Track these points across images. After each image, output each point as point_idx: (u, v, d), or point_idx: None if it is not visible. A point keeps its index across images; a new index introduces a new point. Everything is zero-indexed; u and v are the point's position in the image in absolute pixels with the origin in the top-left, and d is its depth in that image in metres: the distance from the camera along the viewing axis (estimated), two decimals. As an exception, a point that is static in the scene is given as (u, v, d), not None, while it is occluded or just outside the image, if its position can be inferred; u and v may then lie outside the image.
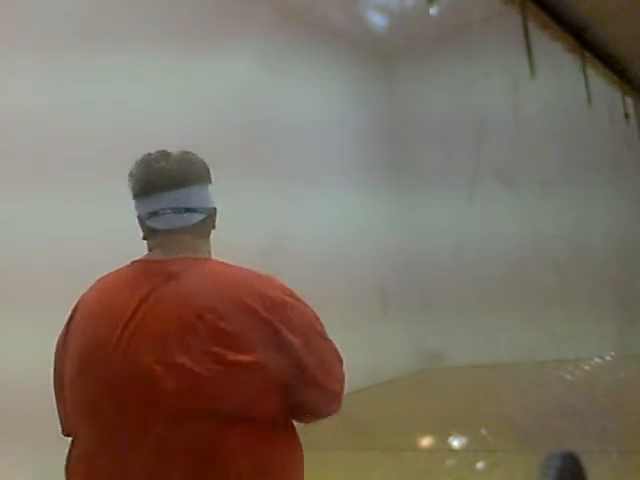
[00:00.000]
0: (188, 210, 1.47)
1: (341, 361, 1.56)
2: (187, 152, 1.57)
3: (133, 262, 1.51)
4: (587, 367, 7.42)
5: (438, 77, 10.30)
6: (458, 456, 4.98)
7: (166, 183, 1.48)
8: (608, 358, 7.70)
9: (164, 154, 1.53)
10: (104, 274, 1.55)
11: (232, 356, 1.29)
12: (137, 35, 6.80)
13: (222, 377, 1.29)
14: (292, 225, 8.33)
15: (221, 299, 1.34)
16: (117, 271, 1.52)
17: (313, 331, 1.45)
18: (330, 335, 1.57)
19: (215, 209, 1.56)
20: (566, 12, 6.13)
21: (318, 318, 1.49)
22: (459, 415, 6.05)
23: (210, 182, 1.56)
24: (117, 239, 5.66)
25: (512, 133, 8.91)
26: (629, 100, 8.82)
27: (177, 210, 1.46)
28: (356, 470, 4.87)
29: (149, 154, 1.54)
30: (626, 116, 8.68)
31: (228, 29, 7.94)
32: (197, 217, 1.49)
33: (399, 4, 8.76)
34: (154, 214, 1.47)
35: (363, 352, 8.74)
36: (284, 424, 1.46)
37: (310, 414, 1.53)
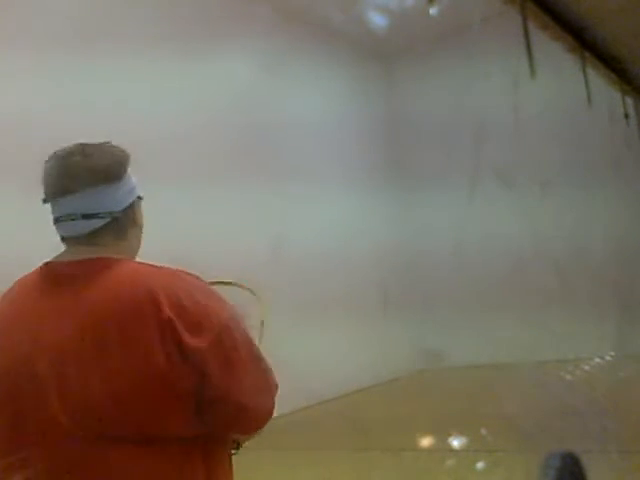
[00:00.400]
0: (85, 216, 1.33)
1: (264, 370, 1.38)
2: (89, 147, 1.38)
3: (44, 264, 1.39)
4: (587, 367, 7.42)
5: (438, 77, 10.30)
6: (458, 456, 4.98)
7: (59, 188, 1.34)
8: (608, 358, 7.70)
9: (61, 154, 1.37)
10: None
11: (126, 368, 1.19)
12: (137, 36, 6.80)
13: (112, 393, 1.18)
14: (293, 227, 8.34)
15: (118, 307, 1.23)
16: (26, 276, 1.40)
17: (225, 334, 1.27)
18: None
19: (128, 207, 1.39)
20: (566, 12, 6.13)
21: (237, 319, 1.33)
22: (459, 415, 6.05)
23: (120, 178, 1.38)
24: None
25: (512, 133, 8.91)
26: (629, 100, 8.81)
27: (74, 217, 1.33)
28: (356, 470, 4.87)
29: (53, 153, 1.40)
30: (626, 116, 8.68)
31: (228, 29, 7.94)
32: (97, 223, 1.34)
33: (399, 4, 8.77)
34: (57, 220, 1.36)
35: (364, 352, 8.76)
36: (203, 446, 1.29)
37: (228, 432, 1.35)
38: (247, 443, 1.51)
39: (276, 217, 8.15)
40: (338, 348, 8.13)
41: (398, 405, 7.48)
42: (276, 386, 1.41)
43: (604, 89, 8.18)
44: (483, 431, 5.13)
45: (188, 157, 7.20)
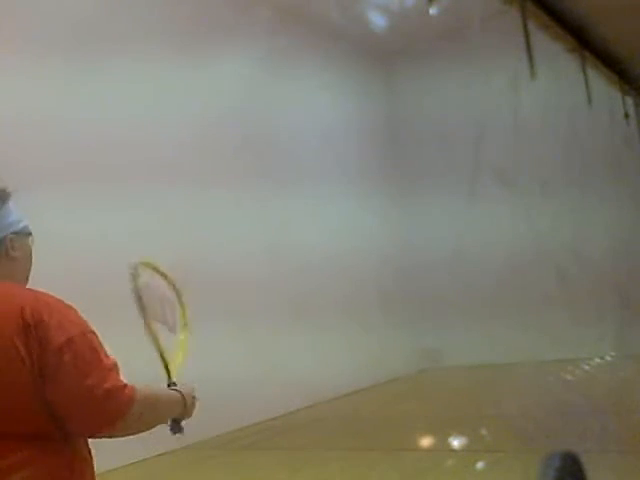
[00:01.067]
0: None
1: (92, 382, 1.50)
2: None
3: None
4: (587, 367, 7.42)
5: (438, 77, 10.29)
6: (458, 456, 4.98)
7: None
8: (608, 358, 7.71)
9: None
10: None
11: None
12: (138, 38, 6.80)
13: None
14: (293, 228, 8.34)
15: None
16: None
17: (68, 343, 1.49)
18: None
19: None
20: (566, 12, 6.14)
21: (84, 333, 1.54)
22: (459, 415, 6.05)
23: None
24: (111, 241, 5.67)
25: (512, 133, 8.91)
26: (629, 100, 8.82)
27: None
28: (356, 470, 4.87)
29: None
30: (626, 116, 8.68)
31: (228, 31, 7.93)
32: None
33: (399, 4, 8.76)
34: None
35: (363, 352, 8.75)
36: (64, 439, 1.51)
37: (74, 428, 1.52)
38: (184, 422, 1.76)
39: (275, 219, 8.15)
40: (338, 348, 8.13)
41: (398, 405, 7.48)
42: (104, 397, 1.51)
43: (604, 89, 8.19)
44: (483, 431, 5.13)
45: (188, 158, 7.20)
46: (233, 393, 6.45)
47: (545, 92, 8.32)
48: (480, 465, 4.47)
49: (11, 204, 1.67)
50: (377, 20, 8.99)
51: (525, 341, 8.35)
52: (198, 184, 7.05)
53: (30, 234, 1.72)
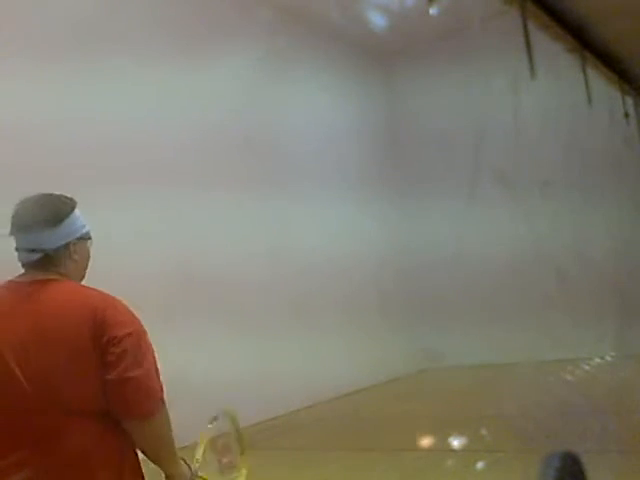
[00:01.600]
0: (28, 250, 1.90)
1: (144, 371, 1.78)
2: (43, 198, 1.95)
3: (7, 282, 1.93)
4: (587, 367, 7.42)
5: (438, 77, 10.29)
6: (458, 456, 4.98)
7: (18, 227, 1.91)
8: (608, 358, 7.71)
9: (24, 203, 1.92)
10: None
11: (62, 354, 1.76)
12: (138, 39, 6.79)
13: (64, 379, 1.75)
14: (293, 230, 8.34)
15: (60, 313, 1.82)
16: None
17: (128, 337, 1.79)
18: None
19: (62, 246, 1.93)
20: (566, 12, 6.13)
21: (139, 331, 1.84)
22: (459, 415, 6.05)
23: (56, 225, 1.91)
24: (115, 242, 5.67)
25: (512, 134, 8.90)
26: (629, 100, 8.82)
27: (23, 249, 1.91)
28: (356, 470, 4.88)
29: (23, 198, 1.94)
30: (626, 116, 8.68)
31: (228, 31, 7.93)
32: (35, 256, 1.89)
33: (399, 4, 8.75)
34: (16, 249, 1.92)
35: (364, 353, 8.75)
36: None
37: (116, 409, 1.79)
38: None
39: (276, 221, 8.16)
40: (338, 349, 8.13)
41: (398, 405, 7.48)
42: (155, 390, 1.79)
43: (604, 89, 8.18)
44: (483, 431, 5.13)
45: (190, 160, 7.20)
46: (233, 393, 6.45)
47: (545, 92, 8.32)
48: (480, 465, 4.47)
49: (77, 211, 1.97)
50: (377, 20, 8.99)
51: (525, 341, 8.34)
52: (200, 186, 7.06)
53: (90, 238, 2.03)
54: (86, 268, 2.03)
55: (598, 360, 7.71)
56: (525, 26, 5.92)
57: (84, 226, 1.98)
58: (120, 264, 5.22)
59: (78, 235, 1.96)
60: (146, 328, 1.86)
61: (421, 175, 10.65)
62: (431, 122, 10.20)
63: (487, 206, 9.33)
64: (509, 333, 8.67)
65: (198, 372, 6.21)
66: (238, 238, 7.34)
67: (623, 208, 8.89)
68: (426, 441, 5.74)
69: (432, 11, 7.00)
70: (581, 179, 8.92)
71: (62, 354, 1.75)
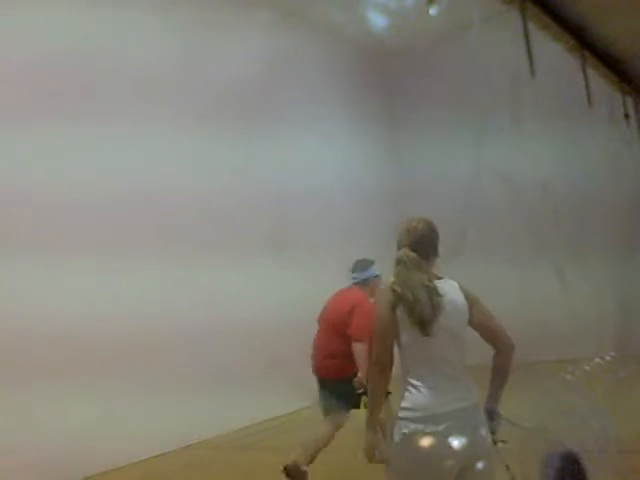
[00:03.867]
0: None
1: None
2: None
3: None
4: (587, 367, 7.42)
5: (438, 77, 10.29)
6: (458, 456, 4.95)
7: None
8: (608, 358, 7.70)
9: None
10: None
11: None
12: (138, 40, 6.81)
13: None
14: (293, 231, 8.35)
15: (339, 302, 4.88)
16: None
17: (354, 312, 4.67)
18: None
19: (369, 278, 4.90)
20: (566, 12, 6.13)
21: (365, 307, 4.59)
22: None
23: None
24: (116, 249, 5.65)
25: (512, 134, 8.90)
26: (629, 100, 8.82)
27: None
28: (356, 470, 4.87)
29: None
30: (626, 116, 8.68)
31: (228, 30, 7.94)
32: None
33: (399, 4, 8.76)
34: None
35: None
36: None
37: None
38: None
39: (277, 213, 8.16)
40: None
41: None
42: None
43: (604, 89, 8.18)
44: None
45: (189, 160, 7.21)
46: (233, 393, 6.45)
47: (545, 92, 8.31)
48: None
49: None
50: (377, 20, 9.00)
51: (524, 341, 8.33)
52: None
53: (378, 276, 4.77)
54: (374, 291, 4.61)
55: (598, 360, 7.71)
56: (525, 26, 5.92)
57: (377, 272, 4.88)
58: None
59: (374, 274, 4.92)
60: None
61: (421, 177, 10.65)
62: (431, 122, 10.20)
63: (487, 206, 9.34)
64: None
65: (197, 372, 6.20)
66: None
67: (623, 208, 8.89)
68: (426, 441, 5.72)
69: (432, 11, 7.00)
70: (581, 179, 8.92)
71: None
